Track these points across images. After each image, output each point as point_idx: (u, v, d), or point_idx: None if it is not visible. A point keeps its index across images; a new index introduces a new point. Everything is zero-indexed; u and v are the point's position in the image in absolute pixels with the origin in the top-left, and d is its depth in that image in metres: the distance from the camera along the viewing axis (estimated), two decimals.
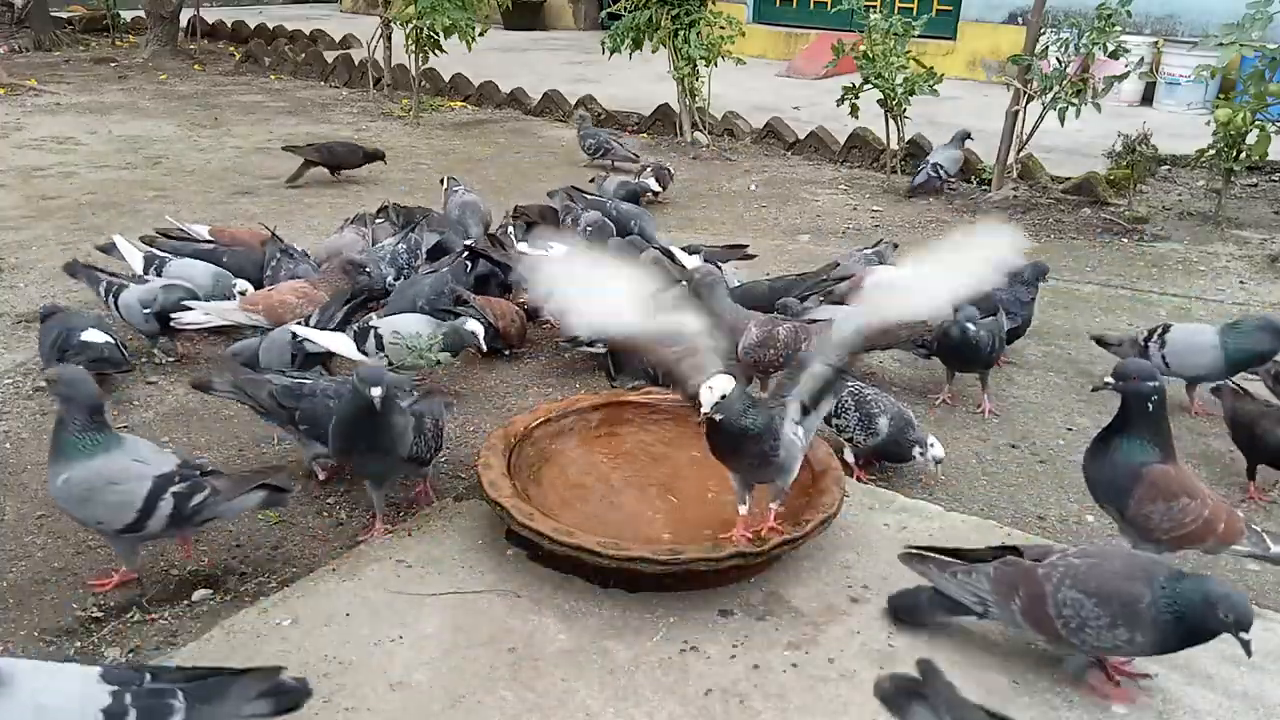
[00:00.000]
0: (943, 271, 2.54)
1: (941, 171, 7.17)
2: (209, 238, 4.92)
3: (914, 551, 2.64)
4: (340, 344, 3.77)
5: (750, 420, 2.47)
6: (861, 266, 4.68)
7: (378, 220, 5.31)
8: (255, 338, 3.87)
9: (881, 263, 4.81)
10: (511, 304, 4.48)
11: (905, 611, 2.63)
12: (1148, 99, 10.84)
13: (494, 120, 9.72)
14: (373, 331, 3.80)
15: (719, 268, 4.65)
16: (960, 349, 3.86)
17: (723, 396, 2.40)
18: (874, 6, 8.12)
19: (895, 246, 5.22)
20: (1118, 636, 2.28)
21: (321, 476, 3.37)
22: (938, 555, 2.59)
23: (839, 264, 4.81)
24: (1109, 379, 2.83)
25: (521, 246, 4.84)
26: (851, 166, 8.16)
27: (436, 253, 4.90)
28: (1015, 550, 2.52)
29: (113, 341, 3.87)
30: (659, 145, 8.75)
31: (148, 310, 4.06)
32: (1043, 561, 2.43)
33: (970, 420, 3.94)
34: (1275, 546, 2.72)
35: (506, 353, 4.37)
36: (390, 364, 3.73)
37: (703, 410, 2.41)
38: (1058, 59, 6.65)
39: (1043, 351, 4.57)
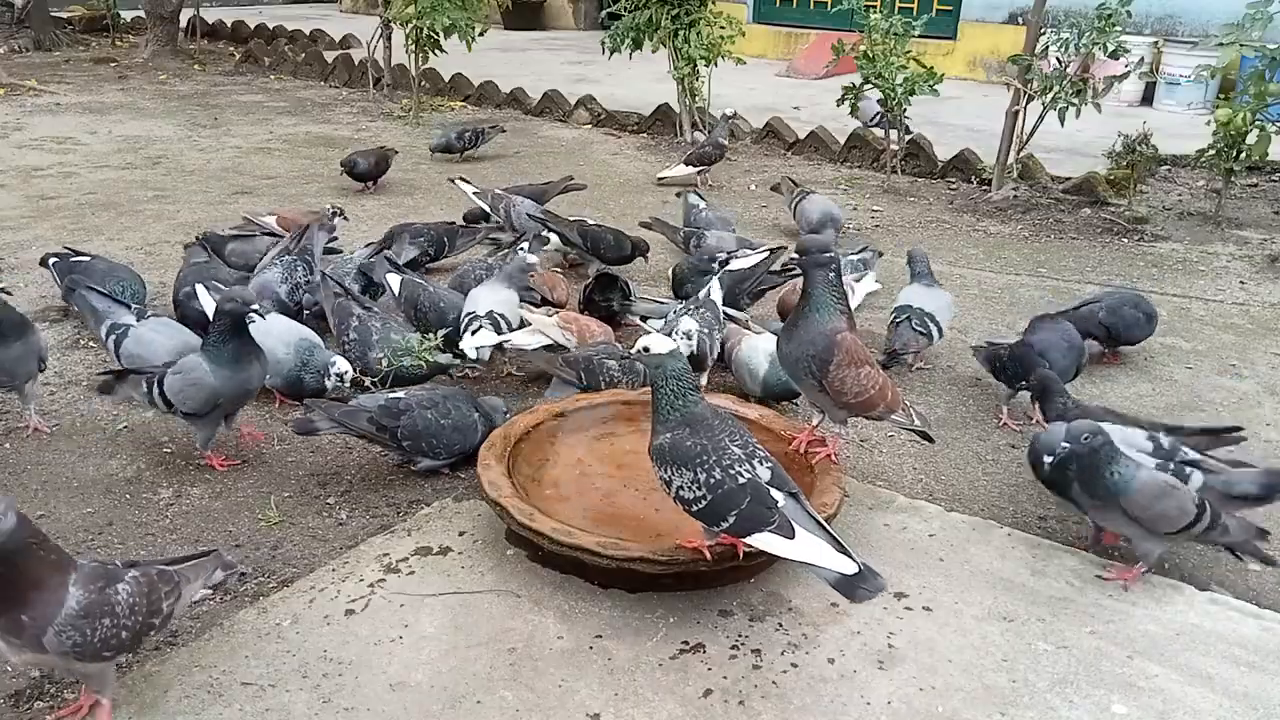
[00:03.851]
0: None
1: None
2: (275, 227, 5.03)
3: None
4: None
5: None
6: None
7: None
8: None
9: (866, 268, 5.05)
10: (558, 275, 4.93)
11: None
12: (1148, 99, 10.83)
13: (494, 120, 9.71)
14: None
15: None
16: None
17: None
18: (874, 6, 8.10)
19: (879, 254, 5.29)
20: None
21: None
22: None
23: (785, 247, 4.93)
24: (793, 255, 3.07)
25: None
26: (851, 166, 8.16)
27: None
28: None
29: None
30: (658, 145, 8.76)
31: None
32: None
33: (970, 420, 3.94)
34: (917, 421, 3.12)
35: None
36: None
37: None
38: (1058, 59, 6.64)
39: None
